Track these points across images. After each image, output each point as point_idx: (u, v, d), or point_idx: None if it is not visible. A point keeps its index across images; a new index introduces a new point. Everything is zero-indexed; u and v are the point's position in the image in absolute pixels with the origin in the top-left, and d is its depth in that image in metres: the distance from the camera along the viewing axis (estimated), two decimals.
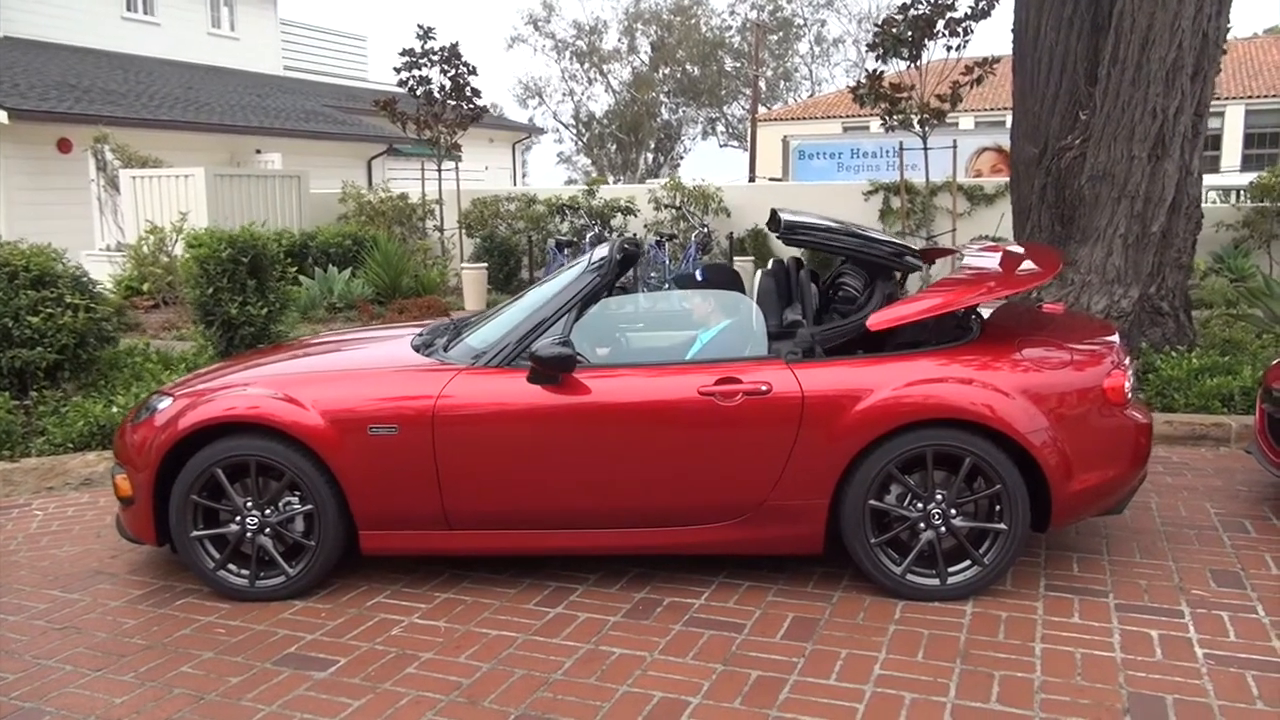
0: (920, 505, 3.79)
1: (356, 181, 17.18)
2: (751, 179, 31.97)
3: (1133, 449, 3.92)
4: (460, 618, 3.81)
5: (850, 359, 3.85)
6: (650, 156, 50.65)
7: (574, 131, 49.43)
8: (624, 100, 48.40)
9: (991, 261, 4.40)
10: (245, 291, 7.00)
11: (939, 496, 3.78)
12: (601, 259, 4.04)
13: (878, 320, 3.84)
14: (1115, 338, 4.10)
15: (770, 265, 4.48)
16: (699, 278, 4.31)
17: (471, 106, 14.39)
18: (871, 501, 3.77)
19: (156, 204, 13.88)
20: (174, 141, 17.17)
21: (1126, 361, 4.00)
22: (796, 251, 14.04)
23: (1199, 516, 4.72)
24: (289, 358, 4.46)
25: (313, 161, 19.45)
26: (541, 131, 35.61)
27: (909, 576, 3.82)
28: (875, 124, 13.53)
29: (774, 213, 4.48)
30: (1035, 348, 3.90)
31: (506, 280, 14.29)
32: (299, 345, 4.95)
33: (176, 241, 11.38)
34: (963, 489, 3.79)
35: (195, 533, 3.99)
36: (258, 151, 19.14)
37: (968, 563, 3.82)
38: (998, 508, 3.78)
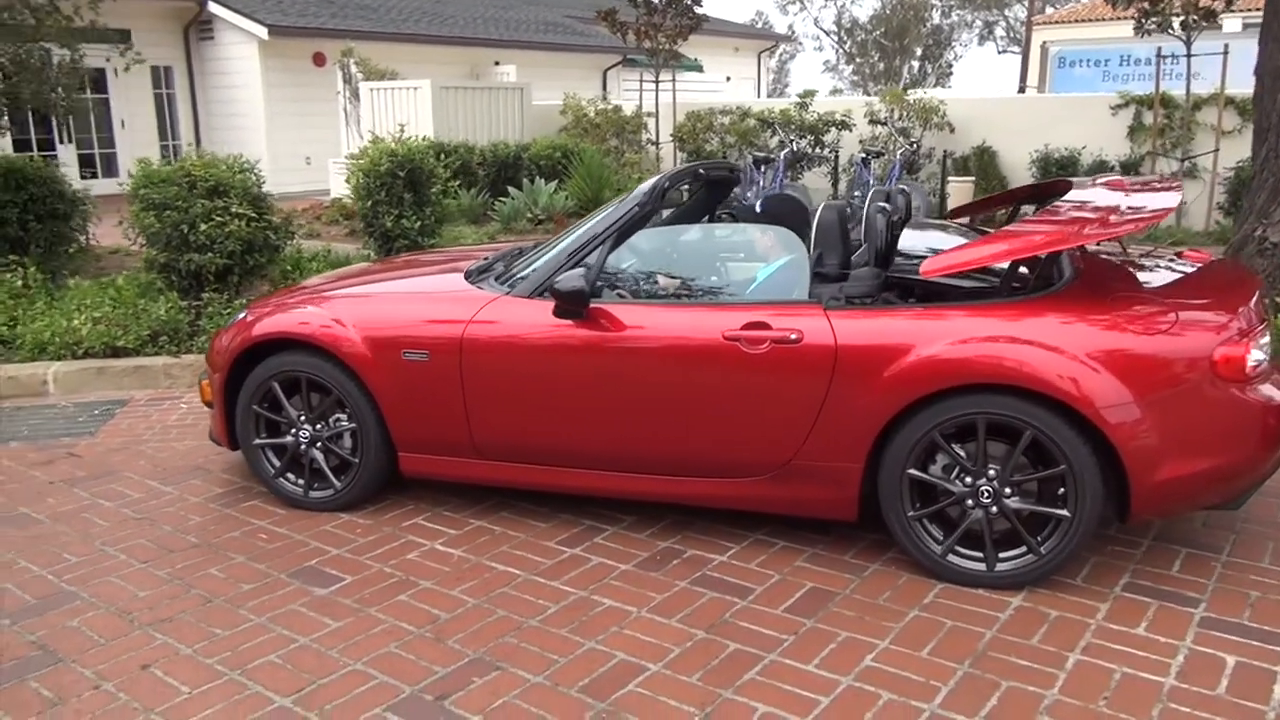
0: (969, 480, 3.31)
1: (592, 93, 17.39)
2: (1020, 90, 29.40)
3: (1254, 433, 3.21)
4: (480, 548, 3.78)
5: (899, 308, 3.38)
6: (916, 65, 47.76)
7: (835, 39, 47.35)
8: (890, 3, 45.68)
9: (1098, 198, 3.70)
10: (402, 205, 7.22)
11: (991, 472, 3.28)
12: (648, 189, 3.76)
13: (931, 266, 3.33)
14: (1251, 301, 3.35)
15: (836, 198, 4.01)
16: (758, 209, 3.93)
17: (690, 16, 14.01)
18: (911, 470, 3.34)
19: (389, 115, 14.67)
20: (417, 55, 18.02)
21: (1259, 328, 3.26)
22: (1027, 176, 12.73)
23: None
24: (365, 277, 4.53)
25: (549, 73, 19.86)
26: (790, 39, 34.29)
27: (951, 557, 3.37)
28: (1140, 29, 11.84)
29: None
30: (1131, 305, 3.25)
31: None
32: (387, 264, 5.02)
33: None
34: (1022, 466, 3.28)
35: (257, 440, 4.19)
36: (496, 64, 19.74)
37: (1023, 549, 3.31)
38: (1061, 491, 3.24)
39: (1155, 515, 3.27)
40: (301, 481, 4.17)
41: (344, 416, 4.06)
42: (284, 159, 17.22)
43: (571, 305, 3.56)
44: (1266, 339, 3.30)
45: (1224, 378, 3.14)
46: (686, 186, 4.16)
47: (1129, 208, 3.52)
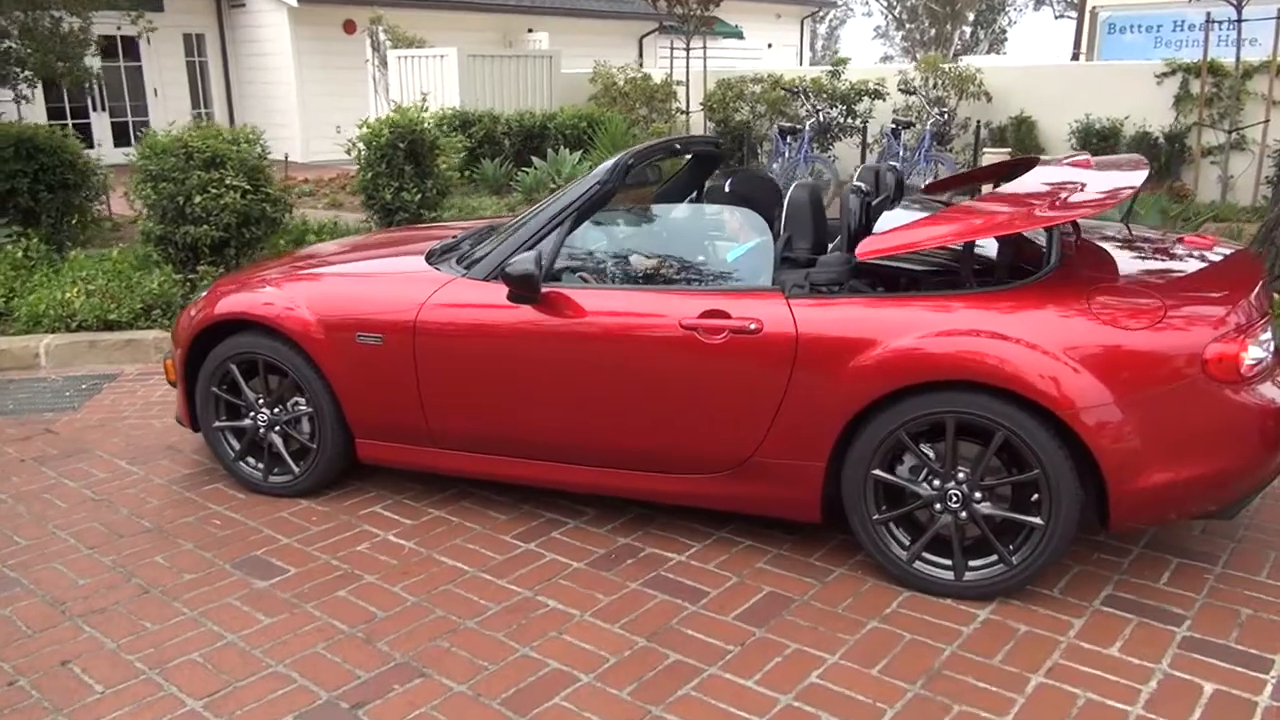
0: (936, 483, 3.09)
1: (628, 61, 17.06)
2: (1074, 57, 28.43)
3: (1250, 439, 2.95)
4: (433, 541, 3.64)
5: (866, 297, 3.14)
6: (968, 31, 46.47)
7: (884, 4, 46.24)
8: None
9: (1059, 178, 3.43)
10: (403, 177, 7.07)
11: (960, 475, 3.06)
12: (609, 167, 3.55)
13: (866, 248, 3.09)
14: (1251, 293, 3.06)
15: (811, 178, 3.76)
16: (726, 189, 3.70)
17: None
18: (876, 471, 3.13)
19: (416, 83, 14.53)
20: (449, 22, 17.83)
21: (1259, 323, 2.99)
22: (1066, 148, 12.23)
23: None
24: (335, 255, 4.39)
25: (583, 40, 19.57)
26: (834, 4, 33.49)
27: (917, 564, 3.16)
28: None
29: None
30: (1115, 295, 2.99)
31: (738, 168, 13.70)
32: (364, 240, 4.87)
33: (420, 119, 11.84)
34: (994, 469, 3.05)
35: (217, 423, 4.09)
36: (529, 31, 19.48)
37: (993, 558, 3.09)
38: (1035, 497, 3.01)
39: (1139, 525, 3.03)
40: (261, 466, 4.06)
41: (302, 400, 3.93)
42: (315, 127, 17.18)
43: (521, 290, 3.38)
44: (1268, 335, 3.02)
45: (1217, 378, 2.88)
46: (660, 161, 3.93)
47: (1089, 189, 3.25)
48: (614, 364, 3.35)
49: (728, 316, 3.20)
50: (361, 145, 7.09)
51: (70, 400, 5.39)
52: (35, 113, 14.42)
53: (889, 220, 3.55)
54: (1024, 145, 12.43)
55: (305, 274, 3.98)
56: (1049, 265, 3.16)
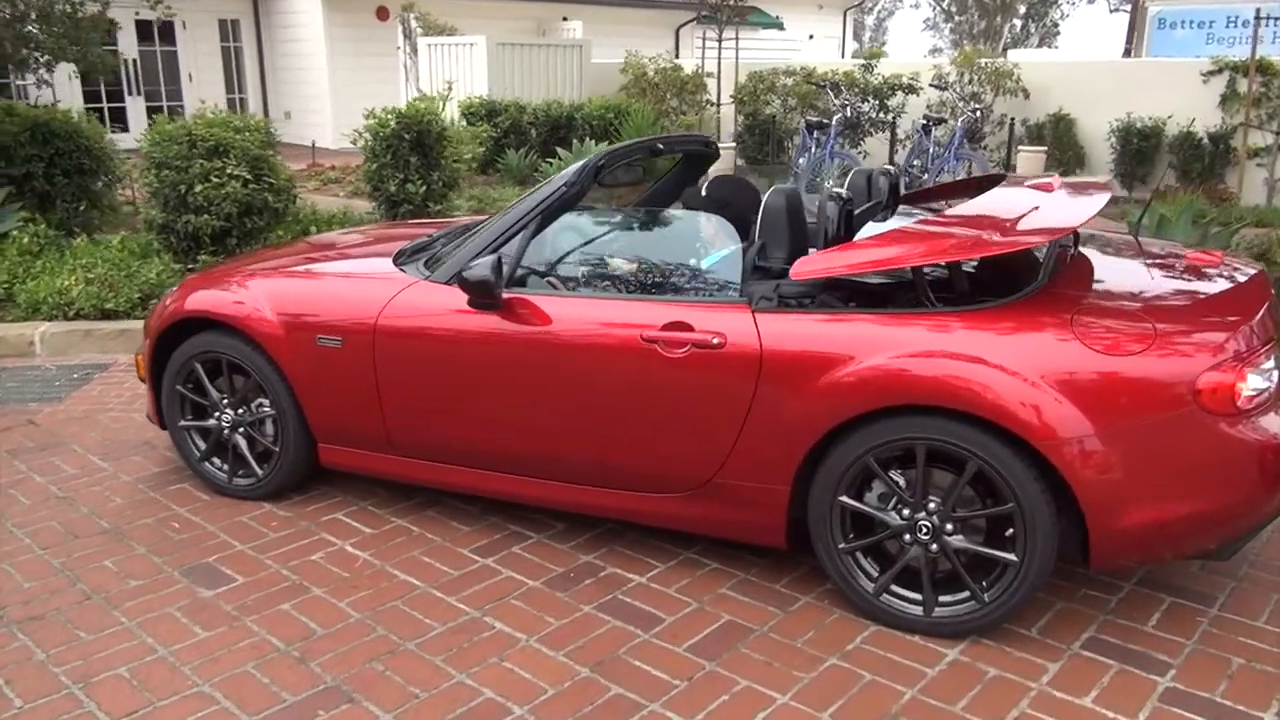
0: (906, 512, 2.90)
1: (664, 51, 16.82)
2: (1126, 53, 27.69)
3: (1247, 475, 2.72)
4: (390, 552, 3.51)
5: (836, 312, 2.95)
6: (1019, 24, 45.55)
7: None
8: None
9: (1013, 202, 3.23)
10: (408, 169, 6.95)
11: (931, 505, 2.86)
12: (577, 169, 3.38)
13: (801, 270, 2.91)
14: (1255, 316, 2.83)
15: (790, 182, 3.57)
16: (702, 193, 3.52)
17: None
18: (843, 498, 2.94)
19: (445, 72, 14.44)
20: (482, 9, 17.71)
21: (1261, 350, 2.75)
22: (1106, 147, 11.79)
23: None
24: (309, 252, 4.27)
25: (619, 30, 19.36)
26: None
27: (885, 598, 2.97)
28: None
29: None
30: (1102, 317, 2.77)
31: (764, 163, 13.44)
32: (331, 241, 4.73)
33: (442, 109, 11.75)
34: (968, 500, 2.85)
35: (183, 422, 4.00)
36: (564, 19, 19.31)
37: (966, 594, 2.89)
38: (1010, 532, 2.80)
39: (1123, 566, 2.82)
40: (226, 467, 3.96)
41: (266, 402, 3.82)
42: (347, 114, 17.10)
43: (478, 296, 3.23)
44: (1271, 363, 2.78)
45: (1211, 409, 2.65)
46: (642, 161, 3.75)
47: (1045, 215, 3.05)
48: (574, 375, 3.19)
49: (690, 329, 3.03)
50: (368, 135, 6.99)
51: (59, 390, 5.34)
52: (73, 96, 14.55)
53: (871, 231, 3.36)
54: (1061, 143, 12.07)
55: (271, 272, 3.87)
56: (1036, 282, 2.94)
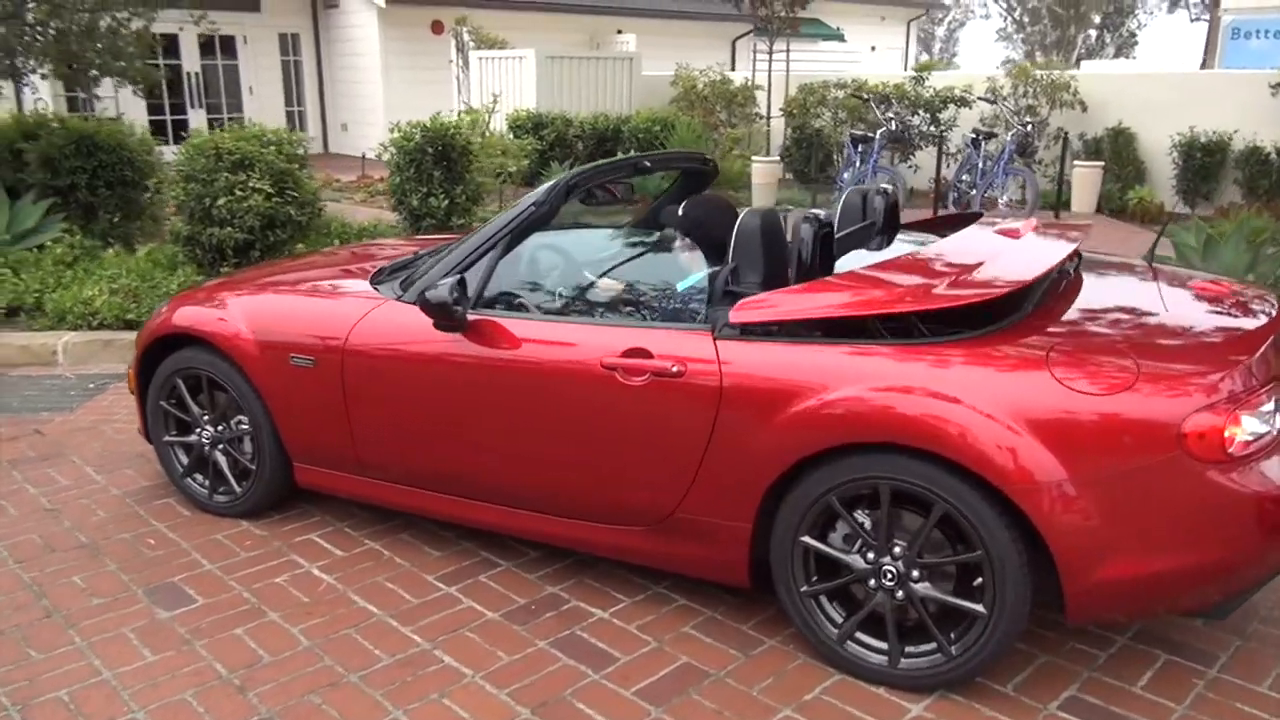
0: (870, 556, 2.73)
1: (720, 63, 16.70)
2: (1203, 65, 26.78)
3: (1242, 528, 2.49)
4: (354, 577, 3.44)
5: (801, 341, 2.79)
6: (1094, 34, 44.42)
7: (1003, 5, 44.60)
8: None
9: (985, 245, 3.04)
10: (431, 183, 6.94)
11: (897, 549, 2.69)
12: (546, 188, 3.28)
13: (741, 314, 2.77)
14: (1254, 354, 2.60)
15: (769, 203, 3.41)
16: (679, 214, 3.38)
17: None
18: (804, 538, 2.78)
19: (495, 84, 14.51)
20: (535, 23, 17.81)
21: (1260, 392, 2.52)
22: (1167, 163, 11.32)
23: None
24: (294, 270, 4.24)
25: (673, 43, 19.29)
26: (942, 7, 32.41)
27: (849, 645, 2.79)
28: None
29: None
30: (1081, 354, 2.57)
31: (810, 177, 13.21)
32: (318, 257, 4.69)
33: (488, 122, 11.77)
34: (937, 545, 2.67)
35: (167, 437, 3.98)
36: (618, 32, 19.31)
37: (933, 645, 2.71)
38: (978, 581, 2.61)
39: (1106, 620, 2.61)
40: (207, 484, 3.94)
41: (244, 420, 3.79)
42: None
43: (439, 318, 3.14)
44: (1271, 405, 2.55)
45: (1197, 456, 2.44)
46: (627, 179, 3.64)
47: (1006, 264, 2.88)
48: (533, 400, 3.08)
49: (650, 356, 2.90)
50: (393, 149, 7.01)
51: (72, 400, 5.41)
52: (136, 108, 14.94)
53: (860, 259, 3.20)
54: (1120, 159, 11.64)
55: (252, 288, 3.84)
56: (1018, 312, 2.75)
